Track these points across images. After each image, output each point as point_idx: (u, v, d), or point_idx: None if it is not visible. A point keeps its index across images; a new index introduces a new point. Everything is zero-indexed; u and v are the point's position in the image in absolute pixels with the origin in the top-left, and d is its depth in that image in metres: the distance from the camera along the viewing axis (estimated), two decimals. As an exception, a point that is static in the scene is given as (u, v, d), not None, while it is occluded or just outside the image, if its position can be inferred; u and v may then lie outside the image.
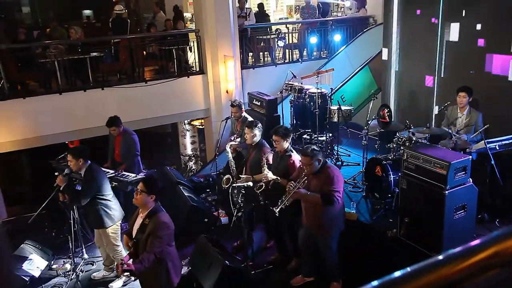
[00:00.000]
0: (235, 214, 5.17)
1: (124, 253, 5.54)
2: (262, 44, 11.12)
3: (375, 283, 0.81)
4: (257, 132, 5.60)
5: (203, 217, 6.76)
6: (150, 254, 3.97)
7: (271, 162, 5.39)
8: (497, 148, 5.48)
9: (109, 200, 5.45)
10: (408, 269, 0.85)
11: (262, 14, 12.25)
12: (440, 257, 0.87)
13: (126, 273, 4.18)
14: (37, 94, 8.78)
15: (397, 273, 0.83)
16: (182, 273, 5.58)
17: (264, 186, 5.15)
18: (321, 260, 5.10)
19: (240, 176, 5.69)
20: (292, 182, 4.76)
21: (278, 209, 4.73)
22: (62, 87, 8.76)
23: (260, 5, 12.47)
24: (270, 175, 5.12)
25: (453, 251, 0.88)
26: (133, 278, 5.36)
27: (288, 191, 4.71)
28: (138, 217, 4.24)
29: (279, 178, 5.02)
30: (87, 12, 16.82)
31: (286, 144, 5.26)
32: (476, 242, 0.90)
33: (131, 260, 4.13)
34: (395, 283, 0.82)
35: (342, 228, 4.94)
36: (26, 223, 6.77)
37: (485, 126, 5.74)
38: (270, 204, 4.94)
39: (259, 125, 5.71)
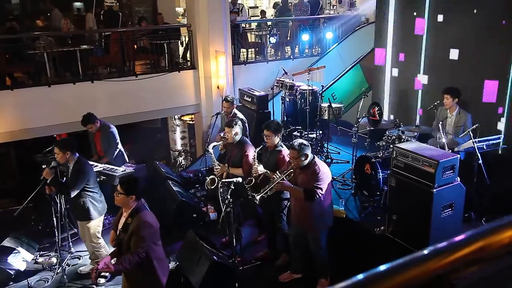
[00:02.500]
0: (223, 210, 5.16)
1: (105, 247, 5.51)
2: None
3: (360, 276, 0.81)
4: (238, 130, 5.61)
5: (192, 212, 6.74)
6: (133, 255, 3.87)
7: (251, 159, 5.40)
8: (485, 147, 5.53)
9: (96, 192, 5.45)
10: (394, 263, 0.84)
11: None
12: (426, 251, 0.86)
13: (101, 279, 4.09)
14: (26, 86, 8.69)
15: (383, 267, 0.83)
16: (170, 268, 5.58)
17: (253, 180, 5.15)
18: (310, 257, 5.12)
19: (216, 168, 5.73)
20: (278, 172, 4.78)
21: (259, 196, 4.77)
22: (51, 79, 8.67)
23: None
24: (261, 169, 5.14)
25: (439, 245, 0.88)
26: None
27: (272, 181, 4.74)
28: (122, 216, 4.16)
29: (268, 172, 5.04)
30: (77, 4, 16.64)
31: (277, 139, 5.28)
32: (462, 236, 0.90)
33: (113, 260, 4.06)
34: (380, 277, 0.82)
35: (330, 224, 4.96)
36: (12, 216, 6.69)
37: (474, 126, 5.78)
38: (253, 191, 4.95)
39: (239, 123, 5.72)
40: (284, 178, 4.73)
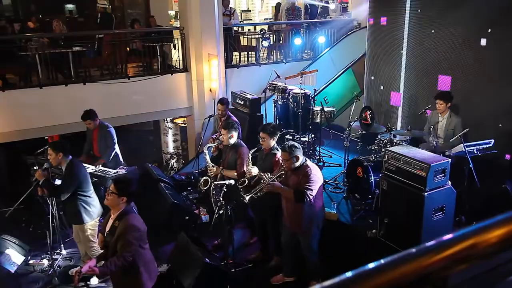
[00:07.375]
0: (216, 212, 5.16)
1: (99, 251, 5.48)
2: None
3: (349, 273, 0.81)
4: (234, 133, 5.61)
5: (184, 215, 6.72)
6: (120, 258, 3.84)
7: (245, 163, 5.40)
8: (475, 152, 5.58)
9: (89, 196, 5.36)
10: (382, 261, 0.85)
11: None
12: (415, 249, 0.87)
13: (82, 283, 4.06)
14: (17, 88, 8.64)
15: (371, 265, 0.84)
16: (162, 270, 5.57)
17: (247, 182, 5.16)
18: (302, 260, 5.13)
19: (209, 169, 5.73)
20: (268, 173, 4.79)
21: (249, 197, 4.79)
22: (42, 81, 8.63)
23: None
24: (254, 171, 5.15)
25: (428, 244, 0.89)
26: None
27: (263, 182, 4.75)
28: (110, 218, 4.12)
29: (262, 174, 5.04)
30: (70, 6, 16.57)
31: (273, 142, 5.30)
32: (451, 235, 0.91)
33: (101, 262, 4.04)
34: (369, 274, 0.83)
35: (321, 227, 4.98)
36: (3, 218, 6.65)
37: (465, 130, 5.84)
38: (243, 191, 4.96)
39: (236, 126, 5.72)
40: (275, 179, 4.74)
